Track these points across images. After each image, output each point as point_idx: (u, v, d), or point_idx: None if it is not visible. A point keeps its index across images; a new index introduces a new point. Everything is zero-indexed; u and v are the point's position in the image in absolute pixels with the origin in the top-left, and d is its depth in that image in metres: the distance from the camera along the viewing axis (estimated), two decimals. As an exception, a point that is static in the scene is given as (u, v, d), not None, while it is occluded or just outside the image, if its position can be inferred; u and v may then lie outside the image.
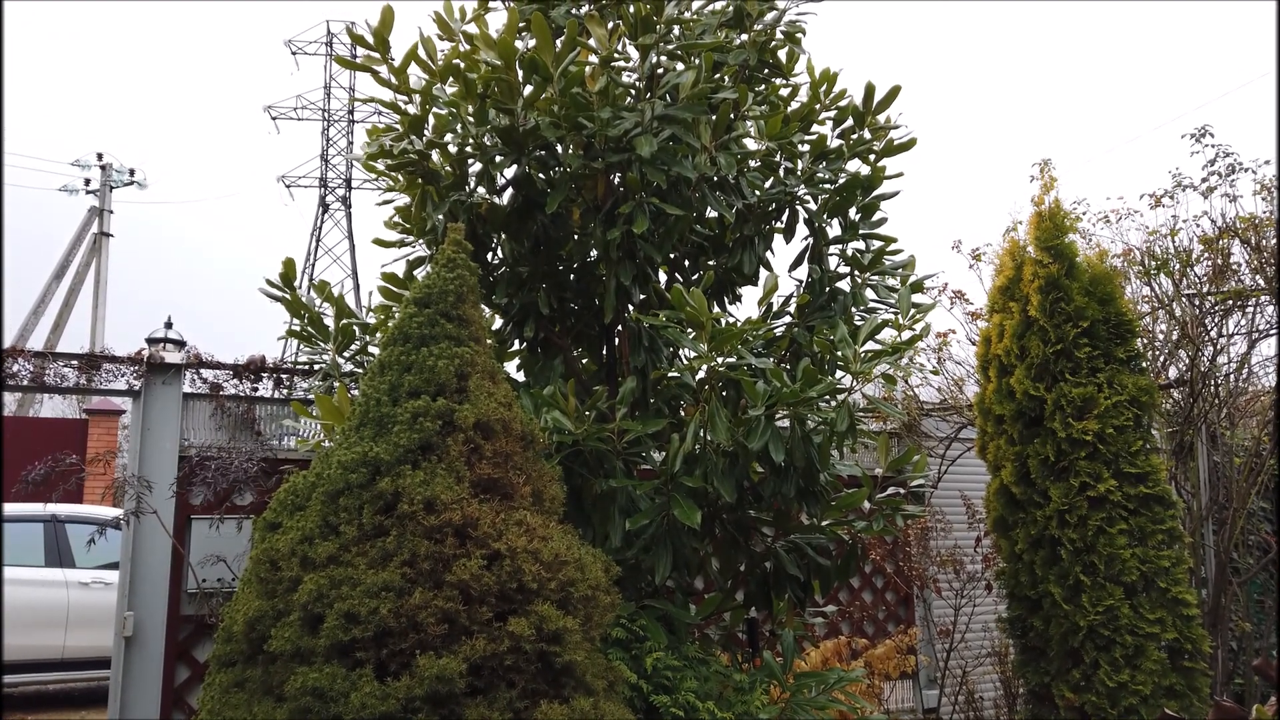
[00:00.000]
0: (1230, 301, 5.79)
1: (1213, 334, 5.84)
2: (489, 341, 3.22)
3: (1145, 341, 6.11)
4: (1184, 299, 5.98)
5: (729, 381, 3.64)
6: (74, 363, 4.88)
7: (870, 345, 3.72)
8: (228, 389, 5.12)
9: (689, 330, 3.49)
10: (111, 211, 22.61)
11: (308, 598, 2.54)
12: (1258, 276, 5.67)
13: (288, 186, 36.64)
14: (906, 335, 3.73)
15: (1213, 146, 5.98)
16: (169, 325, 5.16)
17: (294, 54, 36.08)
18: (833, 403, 3.73)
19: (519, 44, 3.77)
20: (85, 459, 10.88)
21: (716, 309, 4.40)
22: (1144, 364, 4.72)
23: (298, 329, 4.25)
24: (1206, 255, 5.90)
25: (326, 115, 36.10)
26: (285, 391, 5.30)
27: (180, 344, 5.08)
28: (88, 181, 22.91)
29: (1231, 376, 6.01)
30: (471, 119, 3.69)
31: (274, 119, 36.18)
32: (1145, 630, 4.26)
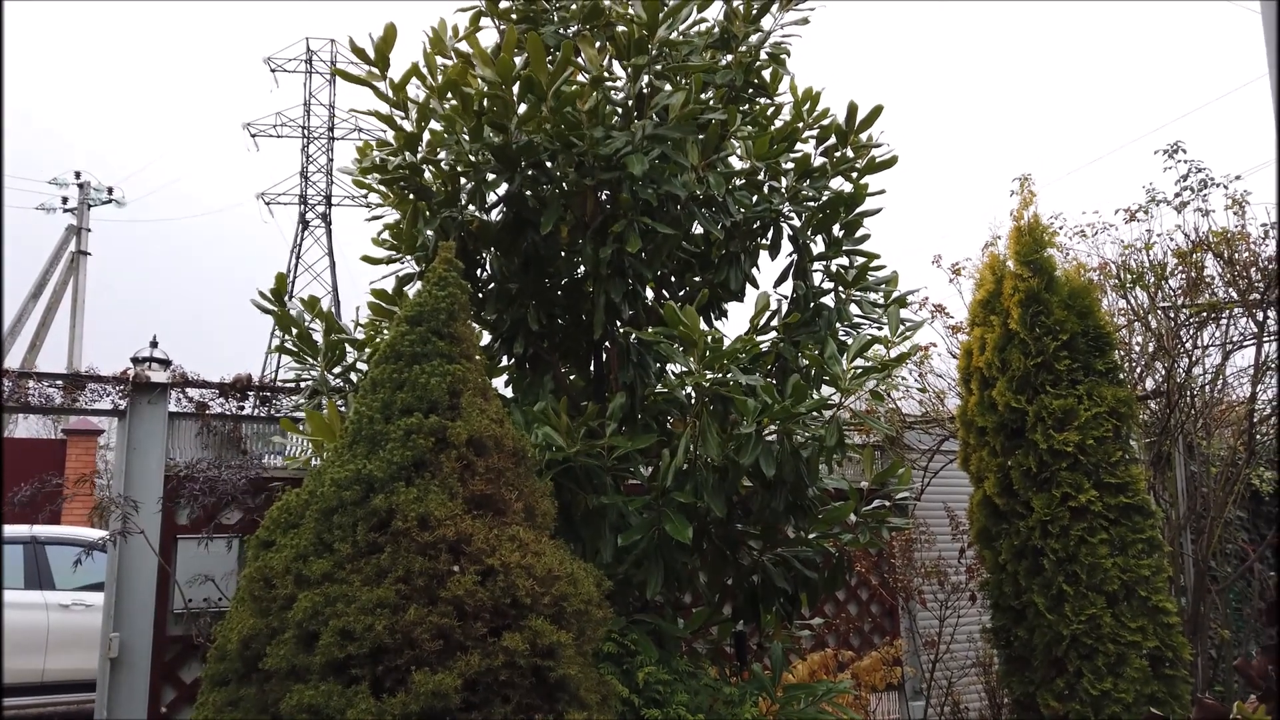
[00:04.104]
0: (1204, 314, 5.90)
1: (1188, 346, 5.95)
2: (479, 358, 3.25)
3: (1123, 353, 6.21)
4: (1159, 311, 6.08)
5: (717, 397, 3.68)
6: (58, 383, 4.85)
7: (858, 362, 3.77)
8: (214, 408, 5.11)
9: (680, 347, 3.54)
10: (89, 230, 22.43)
11: (303, 615, 2.55)
12: (1231, 289, 5.79)
13: (267, 204, 36.46)
14: (895, 353, 3.79)
15: (1185, 162, 6.11)
16: (154, 344, 5.14)
17: (273, 71, 36.00)
18: (821, 418, 3.78)
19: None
20: (65, 479, 10.75)
21: (704, 325, 4.45)
22: (1122, 375, 4.80)
23: (287, 345, 4.25)
24: (1181, 268, 6.01)
25: (306, 132, 36.00)
26: (270, 410, 5.29)
27: (166, 363, 5.07)
28: (65, 200, 22.75)
29: (1207, 388, 6.11)
30: (467, 135, 3.73)
31: (253, 136, 36.03)
32: (1127, 639, 4.32)
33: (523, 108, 3.69)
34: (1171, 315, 6.01)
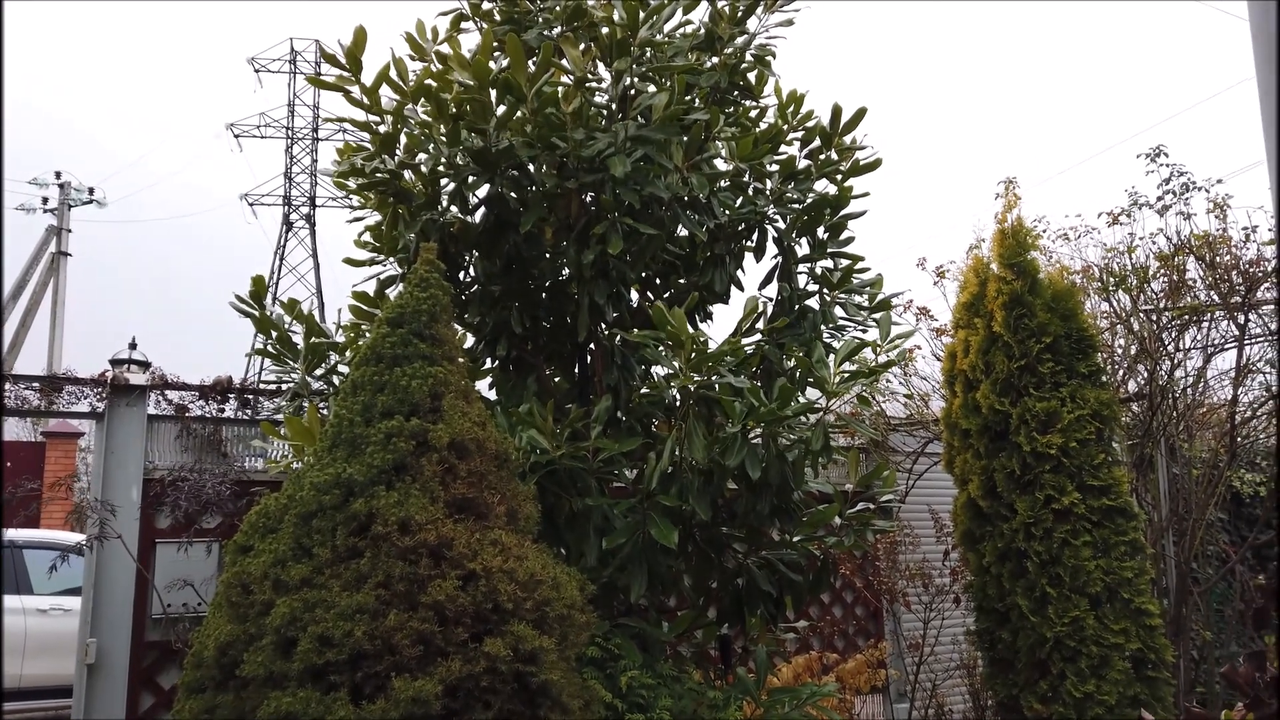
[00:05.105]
0: (1186, 317, 5.94)
1: (1170, 349, 5.98)
2: (462, 361, 3.22)
3: (1105, 356, 6.24)
4: (1142, 314, 6.11)
5: (703, 399, 3.67)
6: (35, 385, 4.79)
7: (846, 366, 3.76)
8: (194, 410, 5.06)
9: (664, 350, 3.52)
10: (70, 230, 22.21)
11: (281, 621, 2.51)
12: (1212, 292, 5.82)
13: (250, 205, 36.24)
14: (884, 358, 3.79)
15: (1167, 166, 6.14)
16: (133, 346, 5.08)
17: (257, 72, 35.76)
18: (808, 421, 3.77)
19: (492, 64, 3.80)
20: (43, 483, 10.64)
21: (690, 328, 4.43)
22: (1104, 378, 4.81)
23: (266, 347, 4.21)
24: (1163, 272, 6.04)
25: (290, 133, 35.80)
26: (252, 413, 5.24)
27: (145, 365, 5.01)
28: (45, 200, 22.51)
29: (1188, 390, 6.15)
30: (444, 139, 3.70)
31: (237, 137, 35.80)
32: (1110, 641, 4.33)
33: (501, 110, 3.66)
34: (1154, 318, 6.05)
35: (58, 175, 22.52)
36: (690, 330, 3.41)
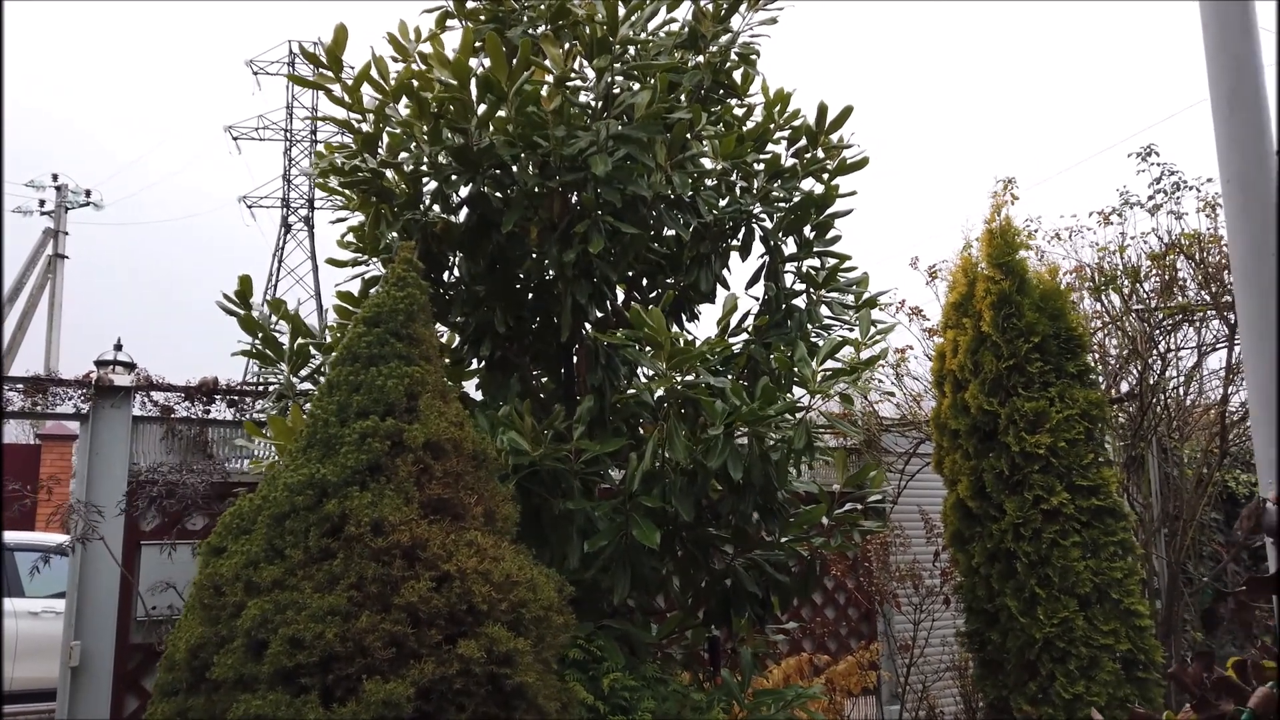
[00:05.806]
0: (1178, 316, 5.91)
1: (1161, 348, 5.96)
2: (444, 360, 3.19)
3: (1097, 356, 6.22)
4: (1133, 314, 6.09)
5: (687, 399, 3.64)
6: (19, 386, 4.76)
7: (829, 364, 3.74)
8: (179, 411, 5.03)
9: (648, 350, 3.49)
10: (67, 233, 22.22)
11: (252, 623, 2.49)
12: (1203, 292, 5.80)
13: (249, 207, 36.24)
14: (866, 355, 3.76)
15: (1158, 165, 6.12)
16: (119, 347, 5.05)
17: (255, 74, 35.76)
18: (791, 421, 3.74)
19: (474, 63, 3.78)
20: (37, 485, 10.62)
21: (675, 328, 4.40)
22: (1096, 378, 4.79)
23: (251, 348, 4.19)
24: (1154, 271, 6.02)
25: (289, 135, 35.79)
26: (240, 413, 5.22)
27: (130, 366, 4.98)
28: (42, 203, 22.51)
29: (1180, 390, 6.12)
30: (425, 138, 3.68)
31: (235, 139, 35.78)
32: (1100, 642, 4.31)
33: (482, 109, 3.64)
34: (1145, 318, 6.02)
35: (54, 178, 22.52)
36: (671, 330, 3.38)
